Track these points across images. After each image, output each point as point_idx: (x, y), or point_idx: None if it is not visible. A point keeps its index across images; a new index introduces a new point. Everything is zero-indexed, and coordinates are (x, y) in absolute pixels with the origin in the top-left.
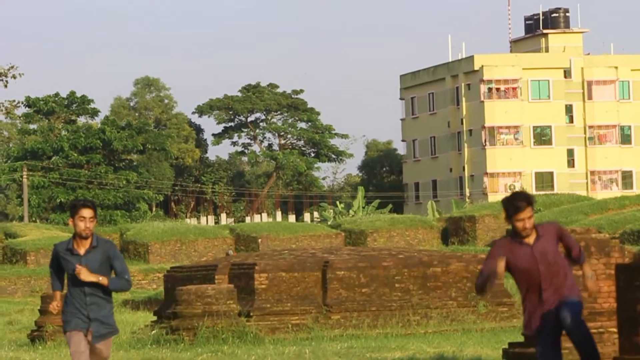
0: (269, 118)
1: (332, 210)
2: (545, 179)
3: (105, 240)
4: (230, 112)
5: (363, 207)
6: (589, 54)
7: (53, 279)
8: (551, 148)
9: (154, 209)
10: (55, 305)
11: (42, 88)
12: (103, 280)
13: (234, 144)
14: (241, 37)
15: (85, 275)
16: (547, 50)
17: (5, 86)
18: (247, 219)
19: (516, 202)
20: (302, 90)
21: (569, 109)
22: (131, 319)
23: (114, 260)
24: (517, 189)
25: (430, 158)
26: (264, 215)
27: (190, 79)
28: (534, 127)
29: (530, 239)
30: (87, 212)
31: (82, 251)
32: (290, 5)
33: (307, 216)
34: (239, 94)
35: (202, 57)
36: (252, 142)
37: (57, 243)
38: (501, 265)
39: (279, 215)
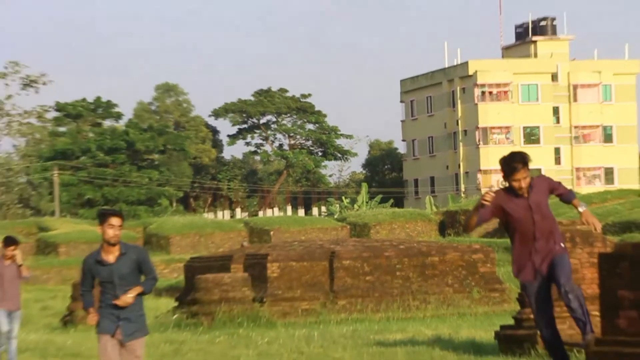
0: (280, 120)
1: (338, 205)
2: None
3: (133, 247)
4: (244, 115)
5: (366, 202)
6: (574, 59)
7: (84, 296)
8: (540, 147)
9: (174, 204)
10: (94, 319)
11: (70, 94)
12: (138, 290)
13: (248, 144)
14: (253, 46)
15: (125, 302)
16: (535, 56)
17: (37, 92)
18: (260, 213)
19: (513, 163)
20: (309, 95)
21: (556, 111)
22: (154, 305)
23: (143, 264)
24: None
25: (429, 156)
26: (276, 209)
27: (207, 84)
28: (524, 127)
29: (525, 193)
30: (115, 220)
31: (111, 259)
32: (300, 16)
33: (315, 210)
34: (252, 98)
35: (217, 63)
36: (264, 142)
37: (86, 257)
38: (489, 195)
39: (289, 210)
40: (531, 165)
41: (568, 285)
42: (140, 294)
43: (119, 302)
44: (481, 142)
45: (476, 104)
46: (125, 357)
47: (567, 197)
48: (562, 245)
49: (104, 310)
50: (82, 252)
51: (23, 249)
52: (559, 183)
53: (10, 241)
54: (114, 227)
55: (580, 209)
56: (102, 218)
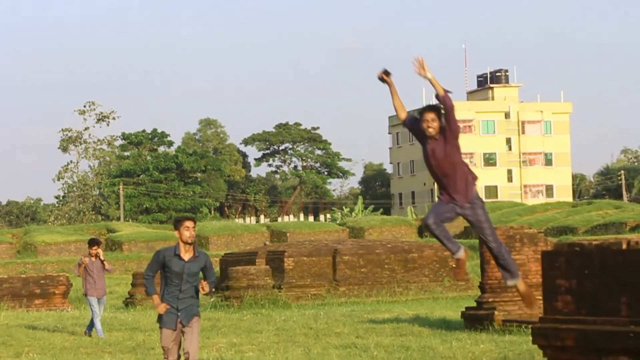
0: (295, 147)
1: (339, 213)
2: (491, 191)
3: (204, 254)
4: (267, 143)
5: (362, 211)
6: (522, 101)
7: (148, 280)
8: (496, 168)
9: (212, 212)
10: (164, 308)
11: (133, 125)
12: (207, 287)
13: (270, 165)
14: (274, 87)
15: (205, 289)
16: (492, 99)
17: (108, 125)
18: (279, 219)
19: (423, 107)
20: (318, 127)
21: (508, 141)
22: None
23: (207, 269)
24: None
25: (410, 175)
26: (291, 216)
27: (239, 118)
28: (483, 153)
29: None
30: (190, 223)
31: (186, 258)
32: (314, 65)
33: (322, 217)
34: (273, 130)
35: (247, 101)
36: (283, 164)
37: (163, 249)
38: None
39: (302, 217)
40: (489, 183)
41: (496, 243)
42: (198, 290)
43: (204, 288)
44: None
45: None
46: (187, 335)
47: (444, 98)
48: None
49: (166, 302)
50: (141, 249)
51: None
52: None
53: (94, 242)
54: (189, 229)
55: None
56: (179, 223)
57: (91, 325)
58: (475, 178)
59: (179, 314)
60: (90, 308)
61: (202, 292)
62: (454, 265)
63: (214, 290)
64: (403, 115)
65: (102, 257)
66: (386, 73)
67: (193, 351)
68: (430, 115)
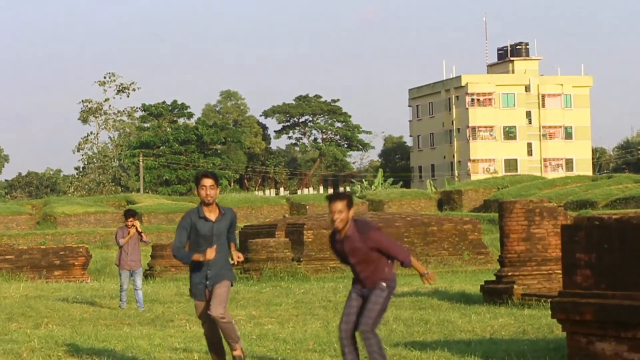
0: (315, 119)
1: (359, 186)
2: (511, 164)
3: (229, 209)
4: (287, 115)
5: (381, 184)
6: (542, 75)
7: (179, 250)
8: (516, 142)
9: (232, 184)
10: (212, 253)
11: (153, 97)
12: (240, 257)
13: (290, 138)
14: (295, 59)
15: (240, 258)
16: (513, 72)
17: (128, 96)
18: (299, 192)
19: (332, 197)
20: (338, 99)
21: (528, 114)
22: None
23: (232, 227)
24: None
25: (430, 148)
26: (311, 189)
27: (259, 90)
28: (504, 127)
29: (342, 233)
30: (207, 181)
31: (213, 217)
32: (334, 38)
33: (341, 190)
34: (293, 102)
35: (267, 73)
36: (303, 136)
37: (188, 212)
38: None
39: (321, 189)
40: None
41: (367, 328)
42: (229, 253)
43: (237, 258)
44: (471, 138)
45: (467, 108)
46: (211, 297)
47: (405, 262)
48: (384, 284)
49: (195, 273)
50: (161, 220)
51: (114, 218)
52: (388, 243)
53: (130, 213)
54: (205, 188)
55: (424, 273)
56: (196, 181)
57: (137, 297)
58: (390, 267)
59: (208, 282)
60: (120, 280)
61: (236, 261)
62: None
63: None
64: None
65: (139, 229)
66: None
67: (213, 306)
68: (338, 206)
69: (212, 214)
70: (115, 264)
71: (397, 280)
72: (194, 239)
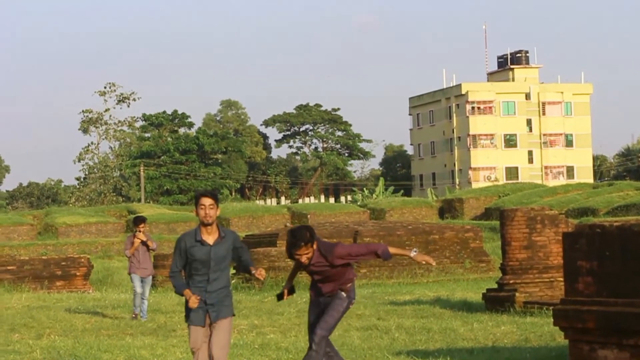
0: (315, 128)
1: (360, 195)
2: (512, 172)
3: (230, 232)
4: (288, 124)
5: (383, 192)
6: (543, 82)
7: (176, 278)
8: (516, 149)
9: (233, 193)
10: (196, 301)
11: (154, 107)
12: (262, 273)
13: (290, 147)
14: (295, 68)
15: (263, 275)
16: (513, 80)
17: (128, 106)
18: (300, 201)
19: (294, 240)
20: (339, 108)
21: (529, 122)
22: None
23: (241, 251)
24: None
25: (431, 157)
26: (312, 198)
27: (259, 100)
28: (504, 134)
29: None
30: (206, 201)
31: (210, 241)
32: (335, 47)
33: (342, 199)
34: (294, 111)
35: (267, 83)
36: (303, 145)
37: (183, 235)
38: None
39: (322, 198)
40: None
41: (323, 332)
42: (229, 279)
43: (260, 276)
44: (471, 146)
45: (467, 117)
46: (214, 334)
47: (384, 256)
48: (344, 294)
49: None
50: (162, 230)
51: (115, 228)
52: (358, 250)
53: (140, 220)
54: (204, 208)
55: (412, 255)
56: (195, 200)
57: (141, 307)
58: (351, 279)
59: (209, 309)
60: (133, 286)
61: (261, 278)
62: None
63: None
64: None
65: (143, 238)
66: (281, 297)
67: (217, 355)
68: (304, 251)
69: (210, 237)
70: (128, 273)
71: (400, 290)
72: (191, 264)
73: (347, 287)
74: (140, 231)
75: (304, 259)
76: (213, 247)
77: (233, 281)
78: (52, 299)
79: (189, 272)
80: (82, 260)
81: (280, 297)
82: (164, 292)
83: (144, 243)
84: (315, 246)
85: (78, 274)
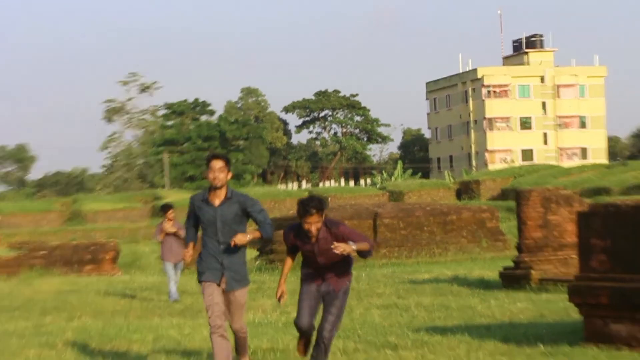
0: (335, 114)
1: (379, 177)
2: (527, 154)
3: (240, 194)
4: (307, 110)
5: (401, 175)
6: (557, 66)
7: (188, 230)
8: (532, 132)
9: (255, 178)
10: (189, 254)
11: (176, 95)
12: (256, 234)
13: (310, 132)
14: (313, 56)
15: (241, 240)
16: (528, 64)
17: (150, 95)
18: (320, 185)
19: (307, 207)
20: (357, 94)
21: (543, 105)
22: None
23: (253, 213)
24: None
25: (448, 140)
26: (332, 181)
27: (279, 86)
28: (520, 117)
29: (314, 238)
30: (216, 163)
31: (216, 202)
32: (352, 34)
33: (362, 182)
34: (313, 97)
35: (287, 70)
36: (323, 131)
37: (193, 195)
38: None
39: (342, 182)
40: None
41: (328, 333)
42: (260, 238)
43: (235, 240)
44: (487, 129)
45: (483, 100)
46: (233, 307)
47: (369, 254)
48: (348, 283)
49: (207, 257)
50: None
51: (141, 214)
52: (357, 236)
53: (167, 207)
54: (213, 171)
55: (354, 247)
56: (207, 163)
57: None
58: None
59: (225, 271)
60: (166, 273)
61: (239, 242)
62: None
63: (270, 237)
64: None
65: (170, 230)
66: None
67: (237, 328)
68: (315, 219)
69: (216, 199)
70: (161, 258)
71: (419, 269)
72: (202, 225)
73: (349, 277)
74: (169, 218)
75: (313, 228)
76: (219, 208)
77: (257, 262)
78: (82, 283)
79: (203, 233)
80: (111, 244)
81: (279, 300)
82: (191, 274)
83: (173, 233)
84: (323, 218)
85: (107, 257)
